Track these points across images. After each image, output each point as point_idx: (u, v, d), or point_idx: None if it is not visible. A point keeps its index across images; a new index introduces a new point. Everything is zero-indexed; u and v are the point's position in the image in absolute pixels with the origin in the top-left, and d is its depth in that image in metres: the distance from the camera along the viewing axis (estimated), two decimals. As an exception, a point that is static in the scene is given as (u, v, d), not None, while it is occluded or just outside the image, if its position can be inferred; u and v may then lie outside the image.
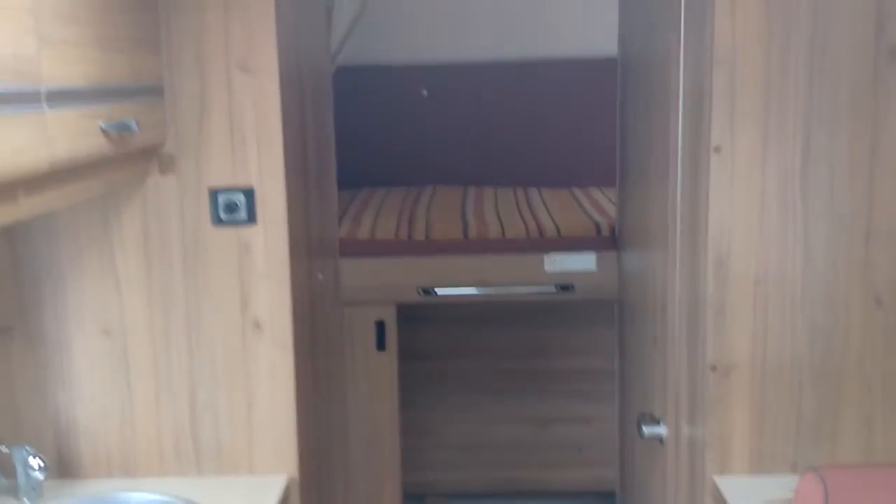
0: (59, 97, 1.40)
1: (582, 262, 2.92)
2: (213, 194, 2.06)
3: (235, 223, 2.07)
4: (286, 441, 2.16)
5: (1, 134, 1.22)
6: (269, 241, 2.07)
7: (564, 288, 2.93)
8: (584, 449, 3.65)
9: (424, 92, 3.82)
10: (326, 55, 2.77)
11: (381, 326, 2.94)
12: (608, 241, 2.96)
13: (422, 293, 2.92)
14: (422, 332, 3.48)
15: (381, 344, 2.95)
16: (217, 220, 2.07)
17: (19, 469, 2.01)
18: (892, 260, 1.81)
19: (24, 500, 2.01)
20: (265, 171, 2.05)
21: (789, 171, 1.80)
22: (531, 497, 3.72)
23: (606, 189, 3.49)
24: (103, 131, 1.59)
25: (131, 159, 1.89)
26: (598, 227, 3.01)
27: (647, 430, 2.14)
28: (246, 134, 2.04)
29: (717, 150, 1.80)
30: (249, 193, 2.05)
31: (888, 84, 1.76)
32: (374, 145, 3.76)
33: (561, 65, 3.81)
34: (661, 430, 2.12)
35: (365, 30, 3.33)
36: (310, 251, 2.44)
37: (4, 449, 2.06)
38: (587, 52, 3.50)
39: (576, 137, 3.80)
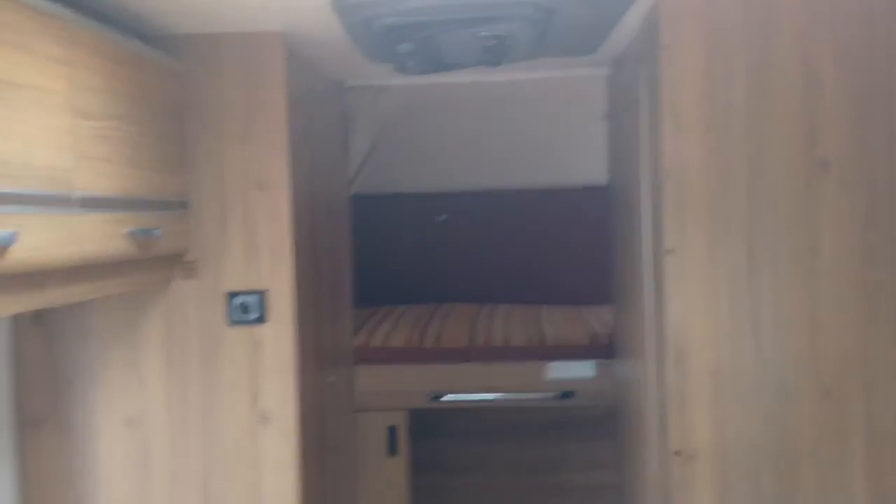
0: (91, 203, 1.68)
1: (582, 370, 3.08)
2: (230, 297, 2.30)
3: (248, 322, 2.30)
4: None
5: (36, 230, 1.48)
6: (278, 338, 2.30)
7: (566, 395, 3.08)
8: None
9: (441, 217, 4.10)
10: (342, 179, 3.07)
11: (392, 431, 3.10)
12: (607, 349, 3.13)
13: (431, 399, 3.09)
14: (436, 445, 3.61)
15: (392, 449, 3.10)
16: (232, 321, 2.30)
17: (45, 549, 2.19)
18: (837, 352, 1.97)
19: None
20: (276, 275, 2.30)
21: (736, 269, 1.99)
22: None
23: (610, 306, 3.68)
24: (129, 236, 1.85)
25: (156, 264, 2.15)
26: (596, 336, 3.18)
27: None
28: (260, 243, 2.30)
29: (671, 252, 2.00)
30: (261, 295, 2.30)
31: (820, 191, 1.97)
32: (395, 266, 4.02)
33: (565, 192, 4.09)
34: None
35: (382, 159, 3.66)
36: (320, 353, 2.65)
37: (32, 527, 2.26)
38: (588, 181, 3.77)
39: (585, 258, 4.02)
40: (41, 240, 1.50)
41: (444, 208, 4.14)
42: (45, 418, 2.33)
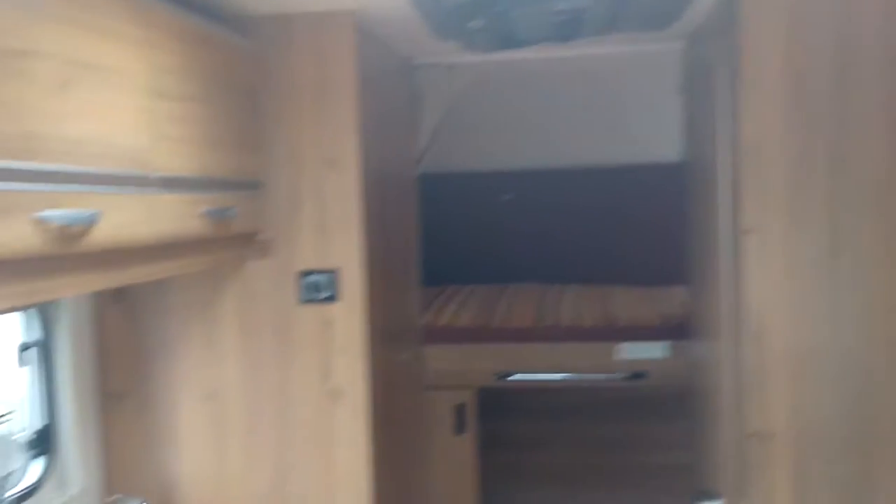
0: (168, 183, 1.71)
1: (654, 350, 3.04)
2: (301, 276, 2.33)
3: (319, 301, 2.33)
4: (362, 502, 2.34)
5: (117, 209, 1.52)
6: (348, 317, 2.32)
7: (637, 376, 3.05)
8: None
9: (507, 196, 4.08)
10: (410, 158, 3.07)
11: (460, 410, 3.11)
12: (680, 330, 3.08)
13: (498, 378, 3.09)
14: (505, 424, 3.62)
15: (460, 427, 3.12)
16: (303, 299, 2.33)
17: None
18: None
19: (131, 547, 2.26)
20: (347, 254, 2.32)
21: (817, 250, 1.94)
22: None
23: (684, 286, 3.63)
24: (205, 215, 1.89)
25: (231, 243, 2.19)
26: (668, 317, 3.14)
27: (701, 507, 2.23)
28: (331, 223, 2.32)
29: (749, 231, 1.96)
30: (332, 274, 2.32)
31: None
32: (462, 246, 4.01)
33: (637, 170, 4.03)
34: (718, 504, 2.21)
35: (450, 137, 3.64)
36: (389, 331, 2.67)
37: (115, 498, 2.33)
38: (661, 157, 3.70)
39: (656, 238, 3.96)
40: (122, 219, 1.54)
41: (513, 187, 4.12)
42: (128, 392, 2.40)
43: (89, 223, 1.37)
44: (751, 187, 1.96)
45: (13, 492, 2.02)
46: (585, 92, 3.93)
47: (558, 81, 3.83)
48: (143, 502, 2.26)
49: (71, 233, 1.36)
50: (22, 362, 2.13)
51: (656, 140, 3.79)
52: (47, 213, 1.29)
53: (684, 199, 2.93)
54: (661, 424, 3.62)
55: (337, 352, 2.33)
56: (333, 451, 2.34)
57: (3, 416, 1.60)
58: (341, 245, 2.32)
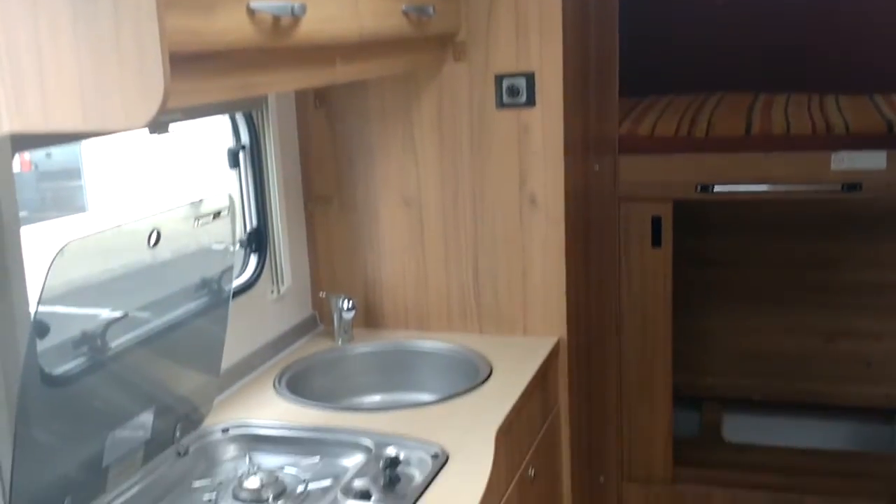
0: (367, -22, 1.68)
1: (871, 161, 2.81)
2: (499, 79, 2.28)
3: (517, 106, 2.28)
4: (556, 308, 2.37)
5: (322, 3, 1.51)
6: (545, 123, 2.27)
7: (851, 187, 2.84)
8: (874, 364, 3.52)
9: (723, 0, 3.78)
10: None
11: (657, 222, 3.02)
12: (901, 140, 2.82)
13: (699, 190, 2.97)
14: (705, 239, 3.52)
15: (656, 240, 3.05)
16: (500, 104, 2.29)
17: (335, 314, 2.40)
18: None
19: (339, 341, 2.41)
20: (545, 58, 2.24)
21: None
22: (813, 410, 3.65)
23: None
24: (404, 13, 1.85)
25: (429, 44, 2.16)
26: (890, 125, 2.87)
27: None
28: (529, 24, 2.23)
29: None
30: (530, 78, 2.25)
31: None
32: (663, 53, 3.79)
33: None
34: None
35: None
36: (585, 139, 2.60)
37: (323, 294, 2.47)
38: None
39: (879, 40, 3.59)
40: (327, 13, 1.53)
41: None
42: (330, 196, 2.49)
43: (297, 14, 1.37)
44: None
45: (236, 283, 2.18)
46: None
47: None
48: (348, 299, 2.38)
49: (281, 25, 1.36)
50: (232, 164, 2.24)
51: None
52: (259, 3, 1.30)
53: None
54: (870, 242, 3.41)
55: (533, 158, 2.30)
56: (529, 256, 2.36)
57: (220, 210, 1.69)
58: (539, 48, 2.24)
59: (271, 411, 1.96)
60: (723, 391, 3.71)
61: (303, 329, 2.47)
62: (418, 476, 1.66)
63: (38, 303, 1.30)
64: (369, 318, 2.52)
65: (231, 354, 2.04)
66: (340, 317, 2.39)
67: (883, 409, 3.44)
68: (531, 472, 2.09)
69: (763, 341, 3.62)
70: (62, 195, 3.25)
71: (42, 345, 1.34)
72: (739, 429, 3.70)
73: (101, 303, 1.50)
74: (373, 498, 1.58)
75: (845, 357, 3.56)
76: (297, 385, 2.14)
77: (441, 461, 1.68)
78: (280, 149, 2.31)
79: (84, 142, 2.12)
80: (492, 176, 2.34)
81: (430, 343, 2.37)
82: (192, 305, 1.73)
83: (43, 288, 1.29)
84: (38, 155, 3.00)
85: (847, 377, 3.56)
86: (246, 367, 2.16)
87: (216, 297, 1.80)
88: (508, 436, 1.90)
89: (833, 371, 3.57)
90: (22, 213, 1.50)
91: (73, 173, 2.94)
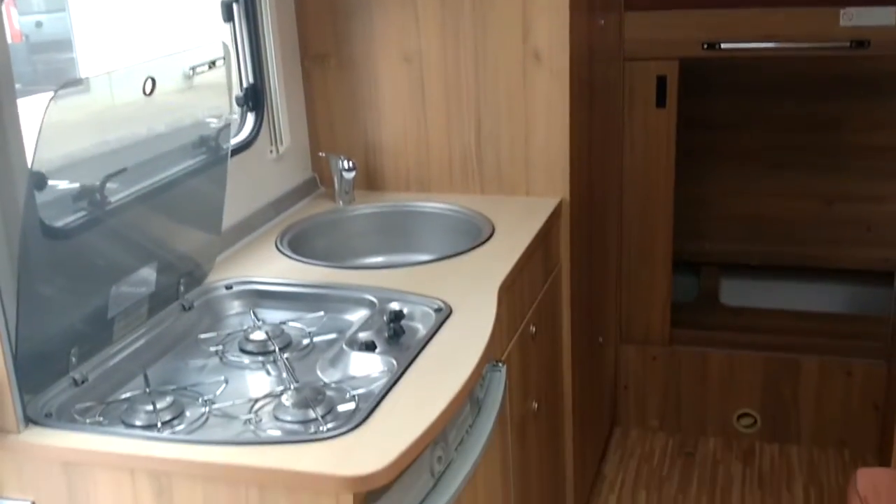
0: None
1: (880, 17, 2.73)
2: (501, -73, 2.18)
3: (521, -45, 2.19)
4: (559, 168, 2.34)
5: None
6: (550, -28, 2.18)
7: (859, 44, 2.77)
8: (874, 228, 3.52)
9: None
10: None
11: (661, 82, 2.97)
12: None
13: (705, 48, 2.90)
14: (708, 102, 3.45)
15: (660, 100, 3.00)
16: (504, -47, 2.20)
17: (335, 175, 2.38)
18: None
19: (339, 202, 2.39)
20: None
21: None
22: (812, 273, 3.68)
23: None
24: None
25: None
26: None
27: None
28: None
29: None
30: (534, -75, 2.15)
31: None
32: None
33: None
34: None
35: None
36: (591, -6, 2.51)
37: (322, 154, 2.44)
38: None
39: None
40: None
41: None
42: (328, 54, 2.42)
43: None
44: None
45: (234, 141, 2.14)
46: None
47: None
48: (348, 160, 2.35)
49: None
50: (226, 18, 2.16)
51: None
52: None
53: None
54: (873, 104, 3.35)
55: (538, 10, 2.22)
56: (532, 115, 2.31)
57: (214, 59, 1.64)
58: None
59: (274, 269, 1.96)
60: (721, 256, 3.73)
61: (303, 191, 2.45)
62: (422, 329, 1.67)
63: (35, 152, 1.27)
64: (370, 180, 2.50)
65: (232, 214, 2.03)
66: (341, 177, 2.36)
67: (882, 273, 3.46)
68: (532, 329, 2.10)
69: (762, 205, 3.61)
70: (55, 67, 3.18)
71: (41, 197, 1.32)
72: (737, 293, 3.74)
73: (99, 156, 1.47)
74: (377, 349, 1.60)
75: (845, 220, 3.55)
76: (299, 245, 2.13)
77: (444, 315, 1.69)
78: (276, 3, 2.23)
79: (74, 10, 2.04)
80: (494, 29, 2.27)
81: (432, 204, 2.35)
82: (190, 162, 1.71)
83: (39, 136, 1.26)
84: (27, 25, 2.91)
85: (846, 240, 3.57)
86: (247, 227, 2.15)
87: (214, 154, 1.77)
88: (510, 292, 1.90)
89: (832, 234, 3.57)
90: (16, 86, 1.46)
91: (65, 45, 2.86)
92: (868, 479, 1.53)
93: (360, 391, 1.46)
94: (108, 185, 1.48)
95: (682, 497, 2.97)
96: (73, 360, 1.46)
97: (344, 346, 1.59)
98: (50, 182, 1.33)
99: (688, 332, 3.32)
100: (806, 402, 3.17)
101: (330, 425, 1.34)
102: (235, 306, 1.84)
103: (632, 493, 2.99)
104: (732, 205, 3.66)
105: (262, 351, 1.64)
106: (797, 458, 3.15)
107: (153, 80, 1.47)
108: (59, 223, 1.39)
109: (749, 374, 3.20)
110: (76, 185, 1.43)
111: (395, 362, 1.52)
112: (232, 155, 1.86)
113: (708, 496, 2.97)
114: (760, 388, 3.20)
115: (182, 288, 1.75)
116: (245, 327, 1.72)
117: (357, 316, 1.76)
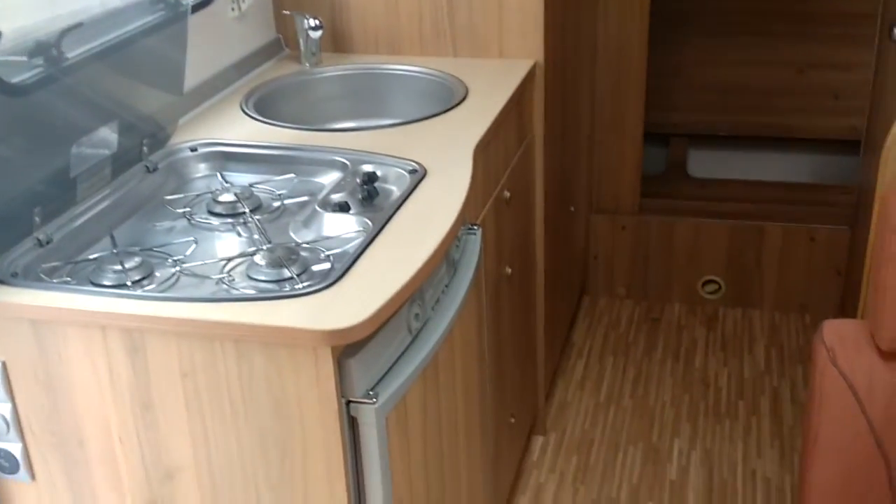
0: None
1: None
2: None
3: None
4: (533, 30, 2.27)
5: None
6: None
7: None
8: (841, 96, 3.51)
9: None
10: None
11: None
12: None
13: None
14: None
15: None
16: None
17: (300, 35, 2.28)
18: None
19: (306, 64, 2.30)
20: None
21: None
22: (779, 143, 3.68)
23: None
24: None
25: None
26: None
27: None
28: None
29: None
30: None
31: None
32: None
33: None
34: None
35: None
36: None
37: (287, 12, 2.34)
38: None
39: None
40: None
41: None
42: None
43: None
44: None
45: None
46: None
47: None
48: (314, 18, 2.26)
49: None
50: None
51: None
52: None
53: None
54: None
55: None
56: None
57: None
58: None
59: (241, 131, 1.90)
60: (690, 127, 3.71)
61: (267, 52, 2.35)
62: (396, 191, 1.64)
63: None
64: (337, 42, 2.41)
65: (193, 75, 1.95)
66: (307, 37, 2.27)
67: (848, 142, 3.47)
68: (507, 194, 2.08)
69: (732, 74, 3.57)
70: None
71: (-5, 51, 1.25)
72: (705, 164, 3.74)
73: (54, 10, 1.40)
74: (351, 210, 1.56)
75: (813, 89, 3.54)
76: (265, 108, 2.06)
77: (419, 176, 1.65)
78: None
79: None
80: None
81: (403, 66, 2.28)
82: (148, 18, 1.62)
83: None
84: None
85: (814, 109, 3.56)
86: (210, 89, 2.07)
87: (173, 10, 1.69)
88: (485, 154, 1.87)
89: (801, 103, 3.56)
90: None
91: None
92: (834, 330, 1.55)
93: (335, 251, 1.44)
94: (65, 40, 1.41)
95: (647, 361, 3.03)
96: (37, 219, 1.41)
97: (317, 208, 1.56)
98: (3, 38, 1.26)
99: (656, 201, 3.33)
100: (769, 268, 3.22)
101: (306, 283, 1.32)
102: (202, 168, 1.78)
103: (599, 359, 3.05)
104: (702, 74, 3.62)
105: (232, 213, 1.60)
106: (759, 321, 3.22)
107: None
108: (15, 79, 1.32)
109: (715, 242, 3.24)
110: (32, 41, 1.36)
111: (369, 222, 1.49)
112: (192, 12, 1.77)
113: (672, 359, 3.03)
114: (725, 256, 3.24)
115: (146, 149, 1.69)
116: (213, 189, 1.67)
117: (329, 178, 1.72)
